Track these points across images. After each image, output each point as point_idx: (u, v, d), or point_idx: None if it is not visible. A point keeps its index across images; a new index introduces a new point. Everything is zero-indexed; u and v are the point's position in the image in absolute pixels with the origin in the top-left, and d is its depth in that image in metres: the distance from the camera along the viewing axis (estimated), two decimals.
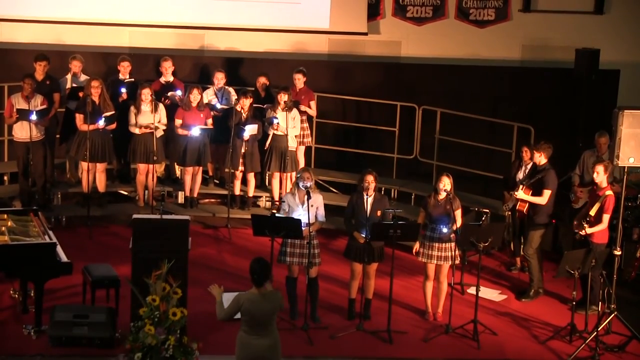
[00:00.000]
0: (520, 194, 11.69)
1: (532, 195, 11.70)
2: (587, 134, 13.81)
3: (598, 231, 11.03)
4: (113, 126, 13.29)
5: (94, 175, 13.39)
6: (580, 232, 11.03)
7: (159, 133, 13.42)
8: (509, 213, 12.67)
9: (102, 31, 15.09)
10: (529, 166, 12.31)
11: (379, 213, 10.79)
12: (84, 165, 13.30)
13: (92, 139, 13.08)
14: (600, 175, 11.06)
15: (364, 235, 10.72)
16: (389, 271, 10.67)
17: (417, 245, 11.01)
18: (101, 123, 13.06)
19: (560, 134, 14.93)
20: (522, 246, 12.62)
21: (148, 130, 13.27)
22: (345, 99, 15.20)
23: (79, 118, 13.11)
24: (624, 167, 10.74)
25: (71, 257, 10.40)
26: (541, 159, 11.74)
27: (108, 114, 13.11)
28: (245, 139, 13.48)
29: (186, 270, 9.95)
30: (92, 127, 13.02)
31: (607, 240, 11.17)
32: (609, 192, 11.03)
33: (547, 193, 11.67)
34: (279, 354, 8.40)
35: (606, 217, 11.02)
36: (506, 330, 11.01)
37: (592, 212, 11.05)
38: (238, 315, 8.39)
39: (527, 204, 11.79)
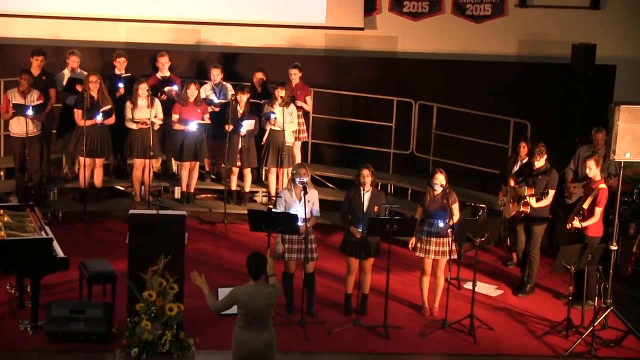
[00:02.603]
0: (533, 203, 11.63)
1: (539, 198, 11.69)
2: (583, 129, 13.81)
3: (592, 224, 11.05)
4: (112, 120, 13.28)
5: (91, 170, 13.38)
6: (572, 225, 11.02)
7: (156, 127, 13.43)
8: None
9: (98, 26, 15.07)
10: (524, 161, 12.31)
11: (375, 208, 10.79)
12: (82, 160, 13.27)
13: (91, 134, 13.08)
14: (592, 170, 11.09)
15: (360, 230, 10.72)
16: (385, 266, 10.66)
17: (413, 240, 11.02)
18: (99, 118, 13.05)
19: (556, 129, 14.95)
20: (517, 241, 12.65)
21: (145, 126, 13.26)
22: (342, 94, 15.20)
23: (78, 114, 13.10)
24: (621, 162, 10.75)
25: (67, 252, 10.41)
26: (541, 161, 11.71)
27: (105, 108, 13.11)
28: (242, 135, 13.48)
29: (183, 266, 9.95)
30: (89, 122, 13.01)
31: (602, 233, 11.19)
32: (602, 186, 11.06)
33: (551, 193, 11.67)
34: (274, 350, 8.39)
35: (598, 210, 11.03)
36: (503, 325, 11.02)
37: (585, 206, 11.08)
38: (233, 310, 8.38)
39: (530, 206, 11.74)
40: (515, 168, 12.41)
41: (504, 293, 11.94)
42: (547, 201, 11.69)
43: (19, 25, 14.93)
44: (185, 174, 13.77)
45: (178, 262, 9.85)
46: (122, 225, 12.63)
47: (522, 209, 11.73)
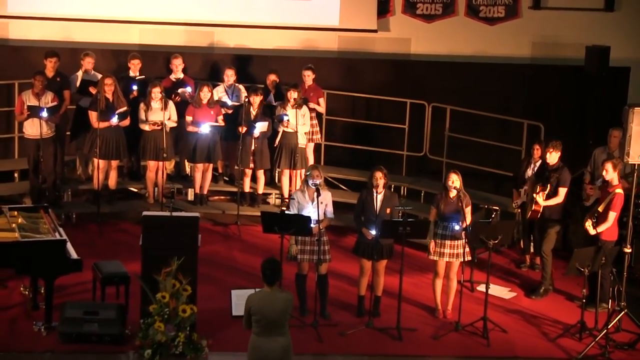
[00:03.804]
0: (540, 200, 11.63)
1: (548, 194, 11.66)
2: (597, 132, 13.79)
3: (606, 228, 11.01)
4: (126, 122, 13.31)
5: (104, 172, 13.41)
6: (586, 226, 11.02)
7: (168, 128, 13.43)
8: (519, 210, 12.67)
9: (112, 28, 15.11)
10: (537, 164, 12.29)
11: (388, 210, 10.79)
12: (96, 162, 13.28)
13: (106, 136, 13.10)
14: (609, 173, 11.03)
15: (372, 232, 10.71)
16: (398, 268, 10.66)
17: (432, 244, 10.99)
18: (114, 120, 13.08)
19: (570, 131, 14.91)
20: (532, 244, 12.63)
21: (157, 127, 13.28)
22: (355, 96, 15.20)
23: (93, 116, 13.13)
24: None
25: (81, 254, 10.42)
26: (554, 157, 11.71)
27: (121, 110, 13.14)
28: (255, 137, 13.49)
29: (196, 267, 9.97)
30: (104, 124, 13.04)
31: (616, 237, 11.15)
32: (618, 190, 11.01)
33: (563, 191, 11.66)
34: (290, 356, 8.23)
35: (612, 215, 10.98)
36: (516, 328, 11.00)
37: (600, 209, 11.05)
38: None
39: (542, 206, 11.73)
40: (529, 171, 12.40)
41: (517, 295, 11.92)
42: (557, 199, 11.66)
43: (33, 27, 14.97)
44: (198, 175, 13.79)
45: (191, 264, 9.86)
46: (136, 227, 12.67)
47: (533, 208, 11.73)
